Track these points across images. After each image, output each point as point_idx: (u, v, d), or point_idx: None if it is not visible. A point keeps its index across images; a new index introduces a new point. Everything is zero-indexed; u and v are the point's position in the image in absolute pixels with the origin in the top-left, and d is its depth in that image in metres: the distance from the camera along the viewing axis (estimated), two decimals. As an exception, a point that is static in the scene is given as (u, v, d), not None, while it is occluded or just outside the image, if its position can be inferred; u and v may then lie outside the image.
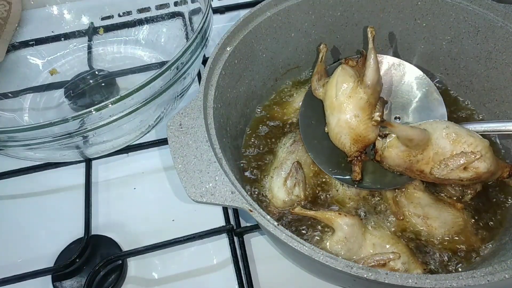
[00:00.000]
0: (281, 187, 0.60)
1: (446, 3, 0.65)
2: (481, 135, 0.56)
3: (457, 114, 0.70)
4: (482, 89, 0.68)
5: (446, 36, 0.69)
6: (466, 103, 0.71)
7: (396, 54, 0.75)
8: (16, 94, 0.79)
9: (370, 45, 0.60)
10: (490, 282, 0.40)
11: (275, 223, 0.44)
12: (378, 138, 0.59)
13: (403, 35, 0.72)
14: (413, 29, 0.71)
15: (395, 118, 0.66)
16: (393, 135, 0.57)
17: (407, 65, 0.69)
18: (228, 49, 0.60)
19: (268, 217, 0.45)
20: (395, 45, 0.74)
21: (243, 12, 0.90)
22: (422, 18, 0.69)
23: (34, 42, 0.85)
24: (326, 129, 0.63)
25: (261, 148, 0.67)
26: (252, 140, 0.68)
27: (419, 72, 0.68)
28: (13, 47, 0.83)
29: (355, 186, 0.60)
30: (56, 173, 0.71)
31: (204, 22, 0.63)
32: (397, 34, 0.73)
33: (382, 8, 0.70)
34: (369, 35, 0.62)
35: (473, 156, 0.53)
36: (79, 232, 0.63)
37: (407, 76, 0.68)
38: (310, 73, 0.76)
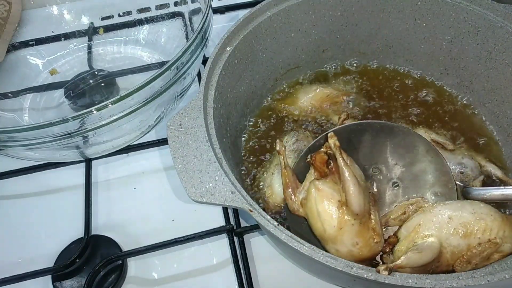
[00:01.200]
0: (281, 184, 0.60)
1: (446, 3, 0.65)
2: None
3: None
4: (482, 89, 0.68)
5: (446, 36, 0.69)
6: (466, 103, 0.71)
7: (396, 55, 0.75)
8: (16, 94, 0.79)
9: (340, 163, 0.50)
10: (490, 282, 0.40)
11: (275, 223, 0.44)
12: (385, 256, 0.51)
13: (403, 35, 0.72)
14: (413, 29, 0.71)
15: (393, 184, 0.58)
16: (401, 246, 0.50)
17: (388, 126, 0.58)
18: (228, 49, 0.60)
19: (268, 217, 0.45)
20: (395, 45, 0.74)
21: (243, 12, 0.90)
22: (422, 18, 0.69)
23: (34, 42, 0.85)
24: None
25: (262, 147, 0.67)
26: (253, 140, 0.68)
27: (408, 130, 0.58)
28: (13, 47, 0.83)
29: None
30: (56, 173, 0.71)
31: (204, 22, 0.63)
32: (397, 34, 0.73)
33: (382, 8, 0.70)
34: (332, 144, 0.51)
35: (492, 244, 0.47)
36: (79, 232, 0.63)
37: (396, 138, 0.58)
38: (310, 74, 0.77)
